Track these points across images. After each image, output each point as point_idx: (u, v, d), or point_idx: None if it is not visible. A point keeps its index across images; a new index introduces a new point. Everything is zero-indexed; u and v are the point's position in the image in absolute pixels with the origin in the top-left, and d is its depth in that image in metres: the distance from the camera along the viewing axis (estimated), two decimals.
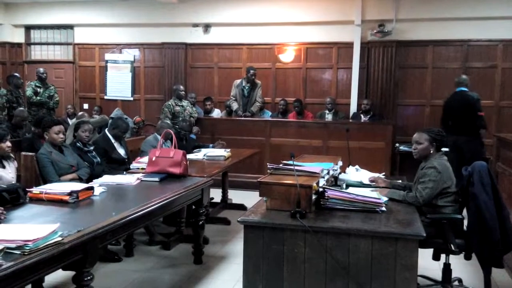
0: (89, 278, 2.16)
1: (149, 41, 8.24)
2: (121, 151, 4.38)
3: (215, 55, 8.06)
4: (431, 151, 2.94)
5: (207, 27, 7.97)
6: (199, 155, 4.63)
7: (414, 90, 7.25)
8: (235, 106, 6.85)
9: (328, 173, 2.93)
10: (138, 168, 3.73)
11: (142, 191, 3.14)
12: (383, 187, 3.03)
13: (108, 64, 8.51)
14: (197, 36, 8.02)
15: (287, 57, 7.75)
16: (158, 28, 8.13)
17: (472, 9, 6.79)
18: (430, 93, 7.19)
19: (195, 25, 7.99)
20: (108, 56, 8.52)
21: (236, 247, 3.91)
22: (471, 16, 6.81)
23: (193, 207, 3.55)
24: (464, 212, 2.92)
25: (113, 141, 4.35)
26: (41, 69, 7.25)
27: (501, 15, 6.70)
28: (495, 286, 3.11)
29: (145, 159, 3.72)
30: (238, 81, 6.92)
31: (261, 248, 2.37)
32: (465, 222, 2.84)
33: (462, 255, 2.86)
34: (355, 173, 3.27)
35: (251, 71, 6.80)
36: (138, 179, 3.35)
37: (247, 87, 6.82)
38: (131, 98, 8.46)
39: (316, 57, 7.68)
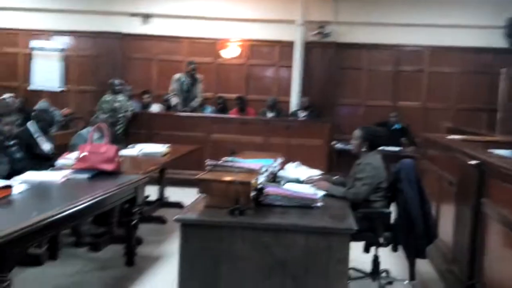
0: (6, 285, 1.99)
1: (83, 28, 7.81)
2: (47, 147, 4.10)
3: (154, 47, 7.85)
4: (364, 148, 3.09)
5: (146, 17, 7.73)
6: (134, 151, 4.46)
7: (351, 91, 7.59)
8: (174, 101, 6.71)
9: (267, 169, 2.95)
10: (65, 165, 3.50)
11: (69, 189, 2.96)
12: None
13: (34, 52, 7.93)
14: (135, 26, 7.76)
15: (230, 53, 7.75)
16: (93, 16, 7.73)
17: (404, 15, 7.24)
18: (365, 94, 7.58)
19: (133, 15, 7.72)
20: (34, 43, 7.94)
21: (172, 247, 3.80)
22: (403, 23, 7.26)
23: (126, 205, 3.40)
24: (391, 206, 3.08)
25: (36, 135, 4.06)
26: None
27: (429, 22, 7.20)
28: (419, 276, 3.29)
29: (74, 154, 3.51)
30: (178, 75, 6.80)
31: (198, 247, 2.32)
32: (392, 216, 3.00)
33: (390, 247, 3.02)
34: (294, 170, 3.32)
35: (192, 66, 6.70)
36: (65, 176, 3.14)
37: (187, 82, 6.71)
38: (60, 89, 7.97)
39: (259, 54, 7.77)
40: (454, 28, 7.18)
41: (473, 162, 2.87)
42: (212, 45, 7.76)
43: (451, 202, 3.33)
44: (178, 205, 4.98)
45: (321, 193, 2.74)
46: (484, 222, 2.73)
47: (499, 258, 2.52)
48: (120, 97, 6.25)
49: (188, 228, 2.34)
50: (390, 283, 3.24)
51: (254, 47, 7.75)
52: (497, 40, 7.12)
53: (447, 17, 7.16)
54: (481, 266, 2.75)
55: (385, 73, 7.55)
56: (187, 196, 4.43)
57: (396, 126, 6.61)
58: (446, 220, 3.38)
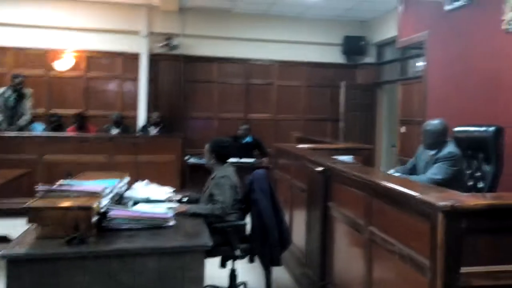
0: None
1: None
2: None
3: None
4: (213, 161, 3.23)
5: None
6: None
7: (202, 104, 7.82)
8: None
9: (112, 191, 2.79)
10: None
11: None
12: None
13: None
14: None
15: (64, 64, 7.31)
16: None
17: (252, 31, 7.82)
18: (218, 107, 7.90)
19: None
20: None
21: None
22: (251, 38, 7.84)
23: None
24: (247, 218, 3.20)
25: None
26: None
27: (277, 38, 7.92)
28: (276, 283, 3.47)
29: None
30: (2, 89, 6.16)
31: (29, 286, 2.10)
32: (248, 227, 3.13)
33: (247, 259, 3.12)
34: (143, 189, 3.19)
35: (18, 79, 6.14)
36: None
37: (13, 97, 6.04)
38: None
39: (99, 66, 7.50)
40: (300, 44, 8.01)
41: (320, 168, 3.18)
42: (42, 56, 7.21)
43: (302, 208, 3.63)
44: (3, 239, 4.36)
45: (171, 212, 2.68)
46: (331, 224, 3.04)
47: (346, 256, 2.82)
48: None
49: (16, 264, 2.12)
50: None
51: (93, 59, 7.44)
52: (336, 56, 8.22)
53: (293, 34, 7.95)
54: (331, 266, 3.04)
55: (236, 86, 7.98)
56: (15, 228, 3.91)
57: (248, 139, 6.91)
58: (299, 226, 3.66)
